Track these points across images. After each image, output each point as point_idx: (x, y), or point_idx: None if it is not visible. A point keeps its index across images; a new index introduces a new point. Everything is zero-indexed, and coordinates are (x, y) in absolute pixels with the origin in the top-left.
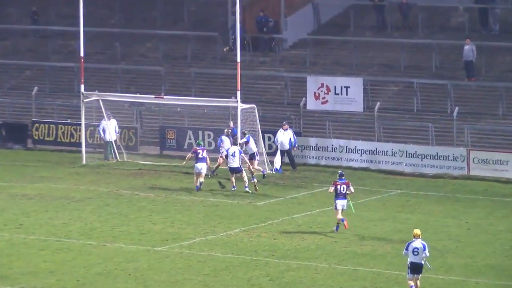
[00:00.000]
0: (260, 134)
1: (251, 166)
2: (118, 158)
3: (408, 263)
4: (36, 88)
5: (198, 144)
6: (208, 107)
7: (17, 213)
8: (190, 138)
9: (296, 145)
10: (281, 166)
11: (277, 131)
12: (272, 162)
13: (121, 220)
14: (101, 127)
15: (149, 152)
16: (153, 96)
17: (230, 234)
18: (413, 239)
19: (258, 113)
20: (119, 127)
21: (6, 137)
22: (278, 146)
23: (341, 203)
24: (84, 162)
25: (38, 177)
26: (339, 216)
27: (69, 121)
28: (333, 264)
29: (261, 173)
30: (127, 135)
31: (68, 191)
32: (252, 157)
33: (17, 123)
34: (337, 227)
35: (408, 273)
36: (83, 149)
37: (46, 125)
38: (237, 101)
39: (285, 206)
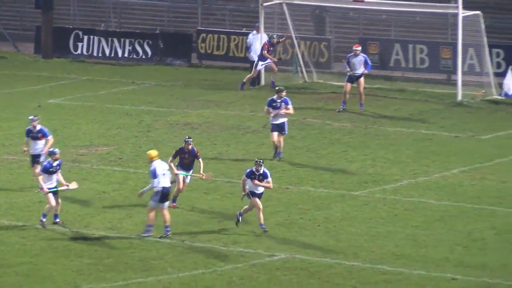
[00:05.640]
0: (487, 49)
1: None
2: (306, 78)
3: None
4: None
5: (270, 38)
6: (421, 14)
7: (177, 146)
8: (397, 54)
9: None
10: None
11: (508, 46)
12: (501, 85)
13: (308, 157)
14: (248, 42)
15: (345, 71)
16: None
17: (447, 176)
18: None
19: (485, 22)
20: (306, 38)
21: (165, 50)
22: None
23: None
24: (262, 82)
25: (204, 101)
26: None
27: (244, 30)
28: None
29: None
30: (318, 49)
31: (242, 119)
32: None
33: (179, 33)
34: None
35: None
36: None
37: (215, 36)
38: (457, 7)
39: None
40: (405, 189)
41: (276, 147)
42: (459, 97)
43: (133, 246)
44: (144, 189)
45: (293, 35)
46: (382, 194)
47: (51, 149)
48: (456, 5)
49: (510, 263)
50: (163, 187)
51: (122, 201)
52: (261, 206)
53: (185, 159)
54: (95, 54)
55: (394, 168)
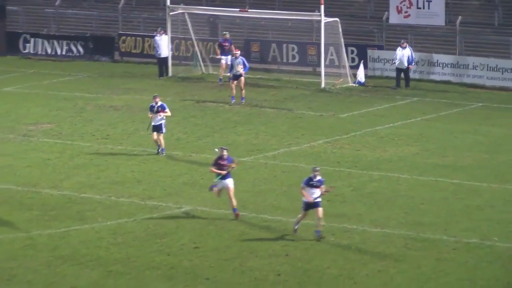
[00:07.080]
0: (343, 47)
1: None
2: (204, 70)
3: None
4: (122, 1)
5: (223, 36)
6: (292, 21)
7: (104, 124)
8: (274, 51)
9: (413, 63)
10: (364, 78)
11: (359, 45)
12: (355, 75)
13: (206, 132)
14: (156, 43)
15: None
16: (238, 9)
17: (314, 146)
18: None
19: (341, 27)
20: (206, 40)
21: (93, 50)
22: (396, 63)
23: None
24: (170, 74)
25: (125, 89)
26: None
27: (155, 33)
28: (415, 175)
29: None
30: (212, 48)
31: None
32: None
33: (104, 36)
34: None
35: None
36: (170, 61)
37: (133, 38)
38: (320, 15)
39: (368, 118)
40: (281, 156)
41: (158, 145)
42: (323, 85)
43: (71, 201)
44: None
45: (193, 37)
46: (264, 160)
47: None
48: (319, 13)
49: (363, 212)
50: None
51: (62, 166)
52: (321, 215)
53: (224, 166)
54: (39, 52)
55: (272, 140)
